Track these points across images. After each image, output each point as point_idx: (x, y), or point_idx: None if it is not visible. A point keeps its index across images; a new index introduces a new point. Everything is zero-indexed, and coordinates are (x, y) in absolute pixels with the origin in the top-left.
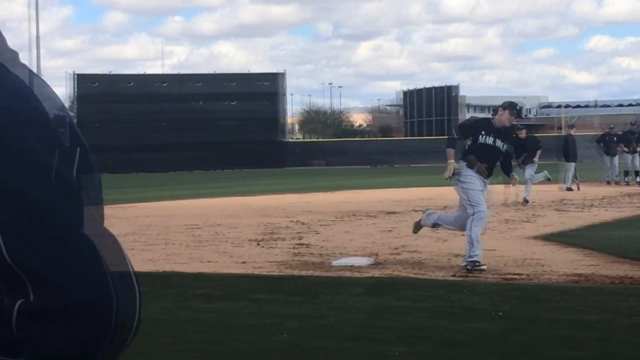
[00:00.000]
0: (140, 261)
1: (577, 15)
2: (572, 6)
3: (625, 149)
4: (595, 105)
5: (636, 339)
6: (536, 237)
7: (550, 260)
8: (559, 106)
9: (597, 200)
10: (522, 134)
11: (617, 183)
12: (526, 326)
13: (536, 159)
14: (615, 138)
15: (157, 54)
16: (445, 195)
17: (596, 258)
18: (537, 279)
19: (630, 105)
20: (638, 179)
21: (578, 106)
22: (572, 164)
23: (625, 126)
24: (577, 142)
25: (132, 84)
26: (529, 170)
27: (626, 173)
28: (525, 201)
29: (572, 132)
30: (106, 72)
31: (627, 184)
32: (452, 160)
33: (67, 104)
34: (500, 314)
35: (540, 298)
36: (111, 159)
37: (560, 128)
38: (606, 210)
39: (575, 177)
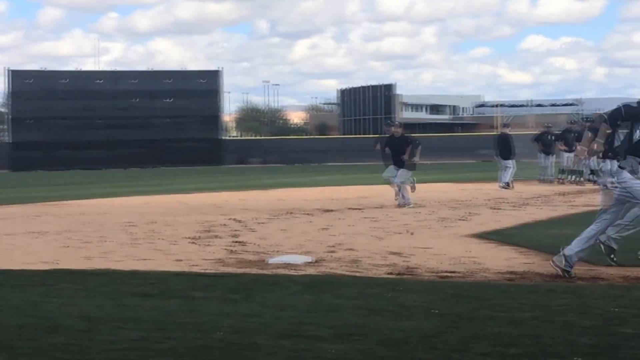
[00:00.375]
0: (75, 259)
1: (512, 15)
2: (507, 6)
3: (564, 148)
4: (530, 105)
5: (568, 335)
6: (471, 236)
7: (485, 259)
8: (494, 105)
9: (531, 199)
10: None
11: (551, 182)
12: (461, 324)
13: None
14: (552, 137)
15: (92, 51)
16: (382, 193)
17: (531, 256)
18: (472, 277)
19: (564, 105)
20: (574, 178)
21: (513, 105)
22: (512, 162)
23: (563, 125)
24: (512, 141)
25: (67, 80)
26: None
27: (562, 171)
28: None
29: (507, 130)
30: (41, 68)
31: (562, 182)
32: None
33: (1, 101)
34: (436, 311)
35: (475, 296)
36: (46, 155)
37: (495, 127)
38: (540, 209)
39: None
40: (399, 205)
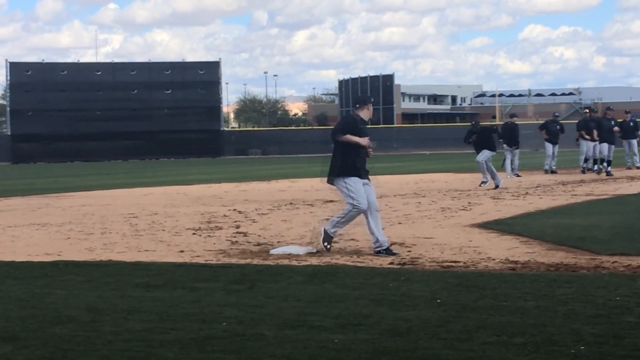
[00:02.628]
0: (78, 250)
1: (511, 5)
2: None
3: (588, 137)
4: (529, 94)
5: (572, 324)
6: (473, 225)
7: (487, 248)
8: (493, 95)
9: (532, 189)
10: None
11: (553, 172)
12: (464, 313)
13: None
14: (558, 126)
15: (91, 42)
16: (381, 183)
17: (532, 246)
18: (474, 267)
19: (563, 94)
20: (597, 167)
21: (512, 95)
22: (517, 151)
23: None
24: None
25: (66, 72)
26: None
27: (586, 160)
28: None
29: (514, 120)
30: (40, 60)
31: (584, 171)
32: None
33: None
34: (439, 301)
35: (478, 285)
36: (45, 147)
37: (494, 117)
38: (541, 198)
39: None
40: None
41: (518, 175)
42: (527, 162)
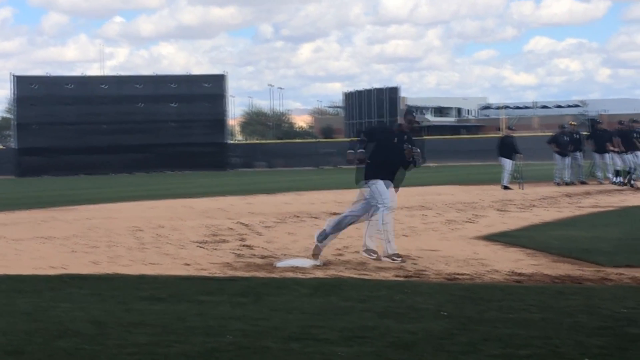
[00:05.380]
0: (83, 263)
1: (516, 17)
2: (510, 7)
3: (616, 150)
4: (534, 106)
5: (577, 336)
6: (478, 238)
7: (492, 260)
8: (499, 107)
9: (537, 201)
10: None
11: (567, 184)
12: (470, 325)
13: None
14: (568, 138)
15: (96, 56)
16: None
17: (538, 258)
18: (480, 279)
19: (568, 106)
20: (620, 180)
21: (517, 107)
22: (510, 162)
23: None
24: (517, 143)
25: (72, 85)
26: None
27: (618, 173)
28: None
29: (511, 133)
30: (46, 74)
31: (616, 183)
32: None
33: (6, 106)
34: (444, 313)
35: (484, 298)
36: (51, 161)
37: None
38: (547, 210)
39: (517, 176)
40: None
41: (508, 188)
42: (533, 174)
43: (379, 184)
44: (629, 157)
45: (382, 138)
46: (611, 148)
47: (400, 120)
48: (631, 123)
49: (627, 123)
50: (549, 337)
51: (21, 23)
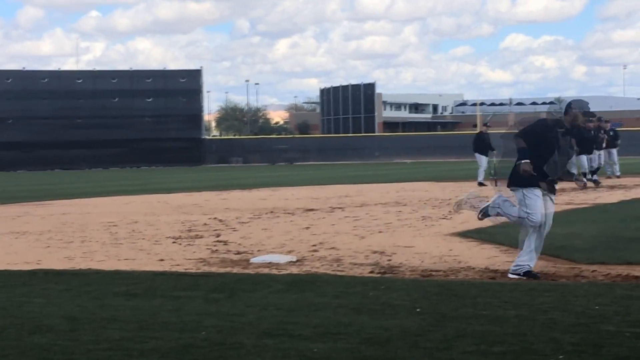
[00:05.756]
0: (58, 259)
1: (492, 14)
2: (486, 4)
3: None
4: (510, 103)
5: (551, 333)
6: (453, 234)
7: (467, 257)
8: (475, 104)
9: (512, 197)
10: None
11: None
12: (444, 322)
13: None
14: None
15: (72, 50)
16: (362, 192)
17: (512, 254)
18: (454, 276)
19: (544, 103)
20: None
21: (493, 104)
22: (485, 159)
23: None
24: (492, 139)
25: (47, 80)
26: None
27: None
28: None
29: (485, 130)
30: (21, 68)
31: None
32: None
33: None
34: (419, 310)
35: (458, 294)
36: (26, 155)
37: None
38: None
39: (492, 173)
40: None
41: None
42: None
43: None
44: (595, 156)
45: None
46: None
47: (567, 115)
48: (601, 122)
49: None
50: (523, 334)
51: None
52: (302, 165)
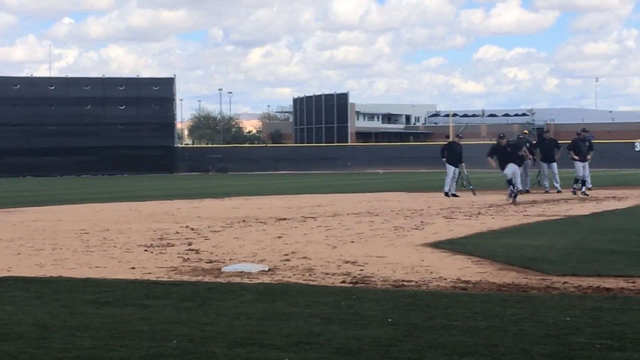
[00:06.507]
0: (28, 266)
1: (465, 25)
2: (460, 16)
3: (577, 157)
4: (483, 115)
5: (522, 344)
6: (425, 245)
7: (439, 267)
8: (447, 115)
9: (484, 208)
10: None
11: (527, 191)
12: (416, 332)
13: None
14: (528, 145)
15: (45, 57)
16: (334, 201)
17: (484, 265)
18: (426, 286)
19: (516, 115)
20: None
21: (466, 115)
22: (453, 169)
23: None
24: (464, 150)
25: (19, 86)
26: None
27: (576, 181)
28: None
29: (457, 140)
30: None
31: (575, 192)
32: None
33: None
34: (390, 320)
35: (430, 305)
36: None
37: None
38: (493, 218)
39: (465, 184)
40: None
41: (455, 196)
42: (479, 182)
43: None
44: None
45: None
46: (574, 157)
47: None
48: (582, 132)
49: (582, 133)
50: (494, 345)
51: None
52: (275, 175)
